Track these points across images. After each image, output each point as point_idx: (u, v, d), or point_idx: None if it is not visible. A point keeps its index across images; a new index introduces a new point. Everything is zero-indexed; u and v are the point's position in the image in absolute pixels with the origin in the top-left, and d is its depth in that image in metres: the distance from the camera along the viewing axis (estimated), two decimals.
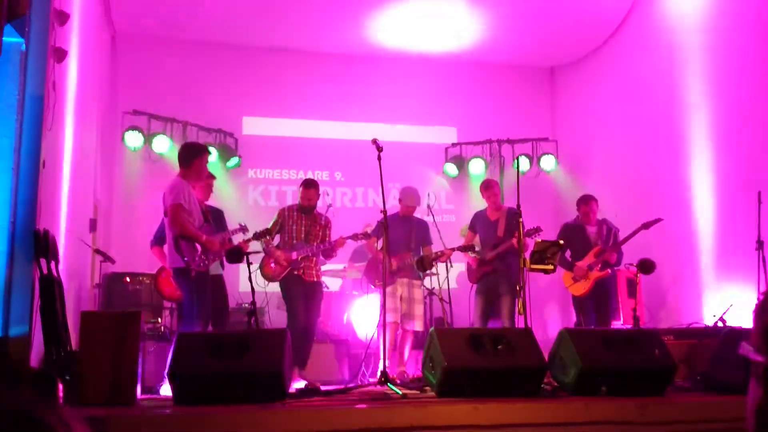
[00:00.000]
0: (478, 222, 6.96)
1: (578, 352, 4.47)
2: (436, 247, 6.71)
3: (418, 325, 6.54)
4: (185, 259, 5.19)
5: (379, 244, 6.63)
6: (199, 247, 5.27)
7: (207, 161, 5.73)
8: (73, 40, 5.76)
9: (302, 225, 6.37)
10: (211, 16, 8.71)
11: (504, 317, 6.57)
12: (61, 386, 3.99)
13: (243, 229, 6.09)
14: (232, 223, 6.27)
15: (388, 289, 6.42)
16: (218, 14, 8.68)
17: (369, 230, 7.11)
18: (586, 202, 6.97)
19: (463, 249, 6.68)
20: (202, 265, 5.28)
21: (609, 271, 6.76)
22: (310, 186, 6.46)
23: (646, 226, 6.59)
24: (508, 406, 3.86)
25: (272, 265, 6.24)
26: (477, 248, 6.83)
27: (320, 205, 6.70)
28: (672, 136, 7.89)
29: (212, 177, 6.25)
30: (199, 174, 5.56)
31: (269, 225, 6.33)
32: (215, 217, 6.07)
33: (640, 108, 8.59)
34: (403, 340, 6.58)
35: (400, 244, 6.51)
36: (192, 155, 5.51)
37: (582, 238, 6.83)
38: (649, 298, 7.22)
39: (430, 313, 7.72)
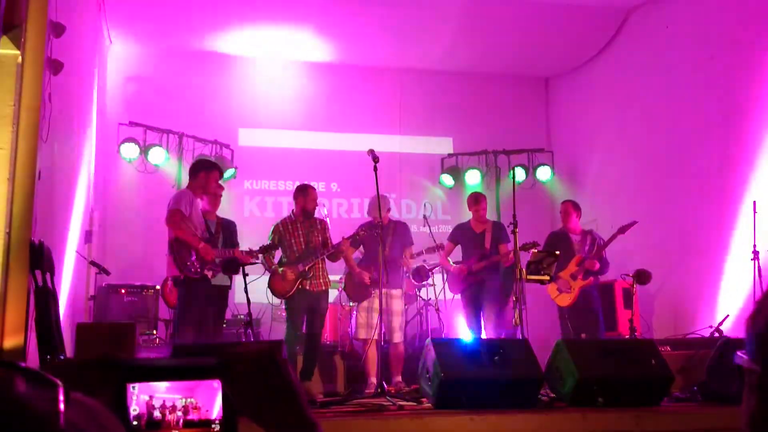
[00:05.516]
0: (461, 233, 6.94)
1: (575, 363, 4.46)
2: (431, 259, 6.68)
3: (396, 337, 6.44)
4: (177, 263, 5.30)
5: (357, 255, 6.62)
6: (193, 253, 5.34)
7: (215, 178, 5.92)
8: (69, 51, 5.77)
9: (300, 235, 6.24)
10: (206, 26, 8.73)
11: (489, 327, 6.56)
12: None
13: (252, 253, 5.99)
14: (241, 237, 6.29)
15: (364, 304, 6.42)
16: (214, 25, 8.71)
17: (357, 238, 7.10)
18: (563, 204, 7.18)
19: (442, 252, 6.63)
20: (193, 271, 5.33)
21: (592, 279, 6.79)
22: (310, 188, 6.37)
23: (622, 230, 6.66)
24: (505, 417, 3.86)
25: (282, 281, 6.09)
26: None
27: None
28: (667, 146, 7.92)
29: (220, 188, 6.24)
30: (204, 187, 5.78)
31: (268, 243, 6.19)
32: (226, 229, 6.12)
33: (635, 118, 8.62)
34: (393, 352, 6.54)
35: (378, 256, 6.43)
36: (199, 168, 5.87)
37: (566, 247, 6.84)
38: (645, 309, 7.21)
39: (426, 324, 7.71)
